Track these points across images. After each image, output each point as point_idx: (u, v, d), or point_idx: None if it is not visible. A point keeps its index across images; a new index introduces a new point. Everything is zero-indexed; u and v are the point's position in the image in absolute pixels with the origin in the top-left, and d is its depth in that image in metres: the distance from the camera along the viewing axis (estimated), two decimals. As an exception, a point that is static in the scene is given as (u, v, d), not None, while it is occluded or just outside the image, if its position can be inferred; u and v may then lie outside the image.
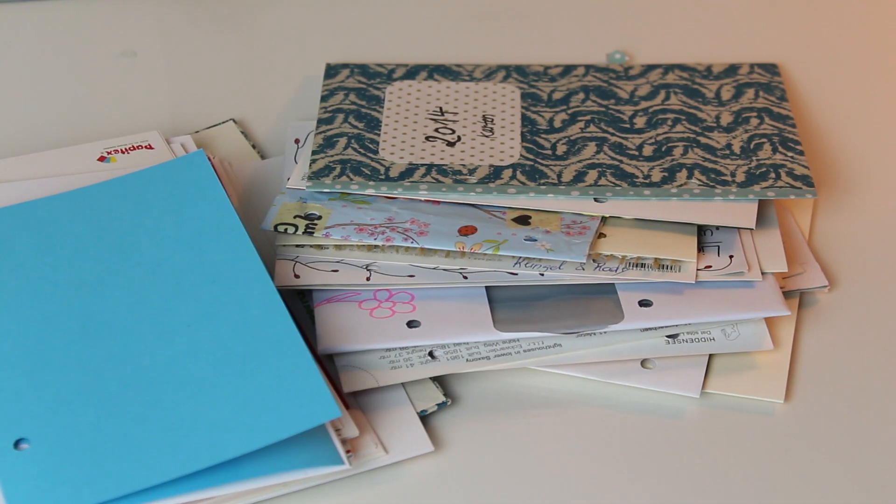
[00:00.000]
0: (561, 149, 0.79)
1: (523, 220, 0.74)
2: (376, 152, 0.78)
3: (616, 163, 0.77)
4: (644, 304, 0.72)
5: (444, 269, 0.73)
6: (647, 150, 0.79)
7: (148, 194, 0.75)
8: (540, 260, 0.72)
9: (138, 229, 0.73)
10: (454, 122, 0.81)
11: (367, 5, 0.95)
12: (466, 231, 0.73)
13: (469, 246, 0.72)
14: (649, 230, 0.74)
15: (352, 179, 0.76)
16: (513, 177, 0.76)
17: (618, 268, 0.72)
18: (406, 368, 0.70)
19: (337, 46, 0.90)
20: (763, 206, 0.76)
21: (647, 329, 0.71)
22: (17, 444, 0.64)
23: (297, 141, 0.82)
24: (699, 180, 0.76)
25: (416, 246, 0.73)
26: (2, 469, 0.63)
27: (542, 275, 0.72)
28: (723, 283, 0.72)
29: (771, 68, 0.86)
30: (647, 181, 0.76)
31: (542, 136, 0.80)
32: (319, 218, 0.74)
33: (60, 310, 0.69)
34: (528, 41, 0.92)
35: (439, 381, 0.70)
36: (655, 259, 0.73)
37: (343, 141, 0.79)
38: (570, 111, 0.82)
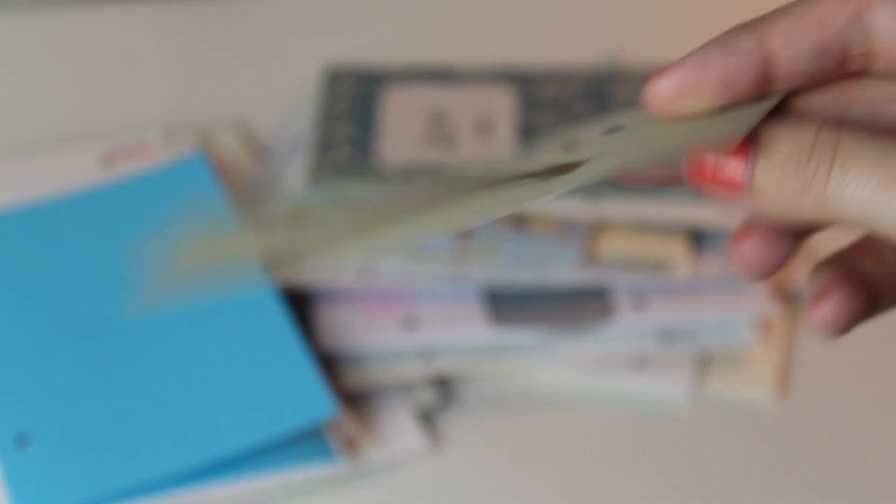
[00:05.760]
0: (557, 150, 0.79)
1: (519, 221, 0.75)
2: (374, 154, 0.78)
3: (612, 164, 0.78)
4: (638, 304, 0.72)
5: (443, 270, 0.73)
6: (643, 152, 0.79)
7: (148, 197, 0.75)
8: (535, 260, 0.73)
9: (139, 232, 0.73)
10: (451, 124, 0.81)
11: (366, 5, 0.95)
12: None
13: (466, 247, 0.73)
14: (644, 231, 0.74)
15: (350, 181, 0.76)
16: (510, 178, 0.77)
17: (612, 267, 0.73)
18: (405, 368, 0.70)
19: (337, 46, 0.90)
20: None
21: (641, 329, 0.72)
22: (21, 442, 0.64)
23: (295, 142, 0.82)
24: (694, 182, 0.77)
25: (415, 247, 0.73)
26: (7, 467, 0.63)
27: (538, 275, 0.73)
28: (716, 284, 0.73)
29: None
30: (642, 183, 0.76)
31: (539, 138, 0.80)
32: (319, 219, 0.75)
33: (63, 312, 0.69)
34: (526, 42, 0.92)
35: (438, 381, 0.71)
36: (649, 259, 0.73)
37: (341, 143, 0.79)
38: (566, 113, 0.82)
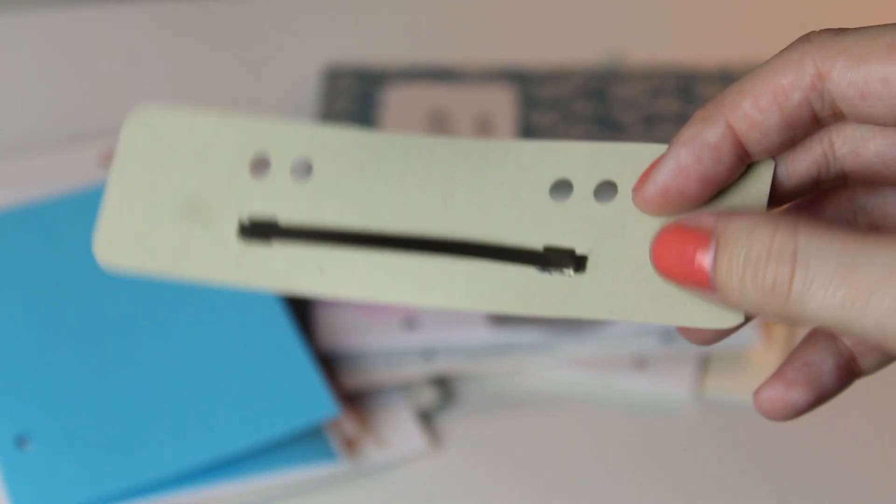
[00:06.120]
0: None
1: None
2: (375, 153, 0.78)
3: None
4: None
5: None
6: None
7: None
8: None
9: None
10: (451, 122, 0.81)
11: (366, 5, 0.95)
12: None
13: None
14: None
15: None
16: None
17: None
18: (405, 368, 0.70)
19: (337, 46, 0.90)
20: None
21: (642, 328, 0.72)
22: (20, 442, 0.64)
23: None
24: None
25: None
26: (7, 467, 0.64)
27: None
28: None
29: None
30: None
31: (539, 138, 0.80)
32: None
33: (63, 312, 0.69)
34: (526, 41, 0.92)
35: (438, 381, 0.71)
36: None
37: (342, 142, 0.79)
38: (566, 114, 0.82)
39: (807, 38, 0.37)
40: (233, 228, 0.40)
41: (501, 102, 0.83)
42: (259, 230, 0.40)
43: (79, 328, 0.68)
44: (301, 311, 0.72)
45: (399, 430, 0.68)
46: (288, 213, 0.40)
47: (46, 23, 0.92)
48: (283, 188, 0.40)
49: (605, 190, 0.39)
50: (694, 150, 0.38)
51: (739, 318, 0.38)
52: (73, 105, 0.87)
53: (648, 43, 0.91)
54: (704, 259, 0.36)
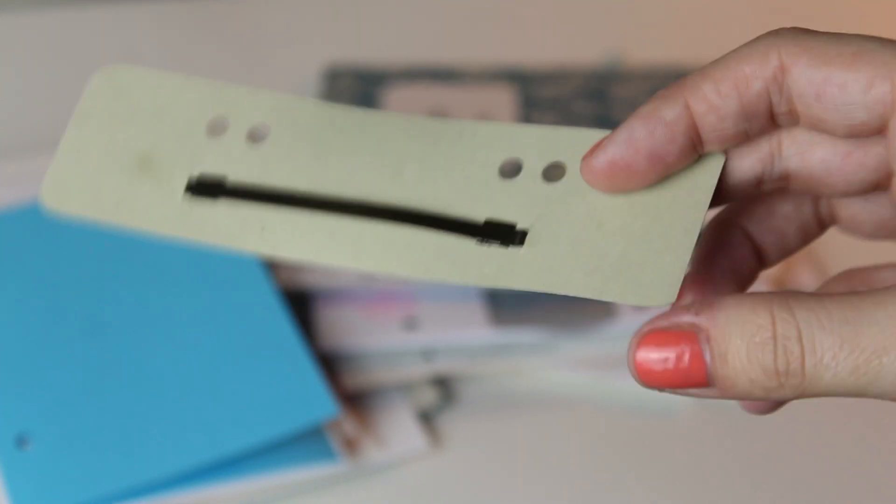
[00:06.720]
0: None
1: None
2: (375, 153, 0.78)
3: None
4: (640, 303, 0.72)
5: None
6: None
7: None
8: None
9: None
10: (452, 123, 0.81)
11: (366, 5, 0.95)
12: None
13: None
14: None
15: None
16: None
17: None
18: (405, 368, 0.70)
19: (337, 46, 0.90)
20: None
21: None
22: (20, 442, 0.64)
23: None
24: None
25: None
26: (7, 467, 0.64)
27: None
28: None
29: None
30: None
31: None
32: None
33: (63, 312, 0.69)
34: (526, 41, 0.92)
35: (438, 380, 0.71)
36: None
37: (342, 142, 0.79)
38: (566, 114, 0.82)
39: (776, 32, 0.37)
40: (182, 185, 0.41)
41: (501, 102, 0.83)
42: (205, 187, 0.41)
43: (79, 328, 0.69)
44: (301, 311, 0.72)
45: (399, 430, 0.68)
46: (237, 174, 0.41)
47: (46, 23, 0.92)
48: (236, 150, 0.41)
49: (554, 171, 0.39)
50: (648, 125, 0.38)
51: (671, 297, 0.37)
52: (73, 105, 0.87)
53: (648, 43, 0.91)
54: (698, 360, 0.35)
